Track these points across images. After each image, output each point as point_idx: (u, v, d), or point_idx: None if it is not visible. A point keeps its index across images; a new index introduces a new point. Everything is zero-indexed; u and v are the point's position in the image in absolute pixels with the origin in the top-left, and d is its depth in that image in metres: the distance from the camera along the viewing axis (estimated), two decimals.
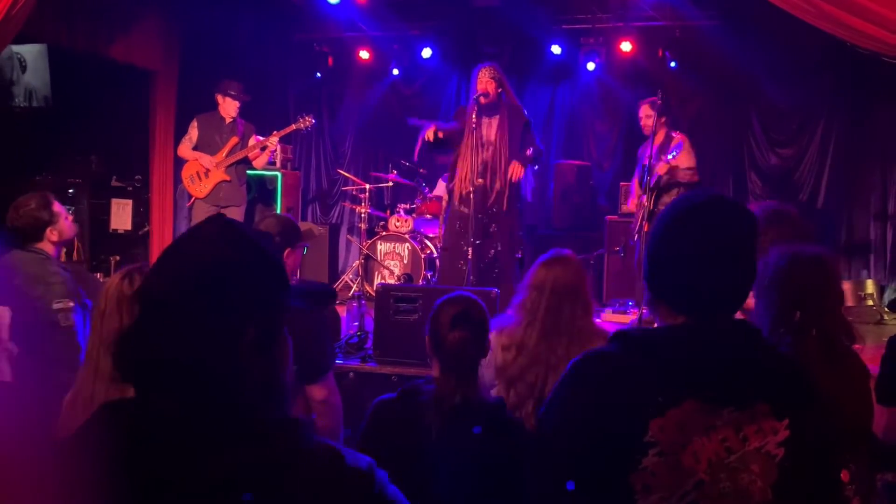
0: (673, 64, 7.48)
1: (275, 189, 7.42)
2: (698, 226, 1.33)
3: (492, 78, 5.03)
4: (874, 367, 2.34)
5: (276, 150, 6.92)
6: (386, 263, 6.86)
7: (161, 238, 7.26)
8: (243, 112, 6.12)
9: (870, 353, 2.65)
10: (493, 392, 2.59)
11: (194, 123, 6.02)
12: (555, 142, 8.29)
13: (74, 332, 3.17)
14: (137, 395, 1.05)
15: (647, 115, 5.55)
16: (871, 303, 6.38)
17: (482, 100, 5.00)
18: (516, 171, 5.01)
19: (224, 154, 5.90)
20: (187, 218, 6.81)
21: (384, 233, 6.96)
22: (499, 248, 5.12)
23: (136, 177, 7.35)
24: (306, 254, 6.90)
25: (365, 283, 6.71)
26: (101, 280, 6.07)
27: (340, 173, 8.26)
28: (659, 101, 5.31)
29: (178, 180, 6.63)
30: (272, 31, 7.92)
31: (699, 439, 1.23)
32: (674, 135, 5.48)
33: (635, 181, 5.82)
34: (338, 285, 7.29)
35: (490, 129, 5.11)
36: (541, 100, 8.24)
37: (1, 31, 4.68)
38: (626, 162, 7.73)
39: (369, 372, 4.09)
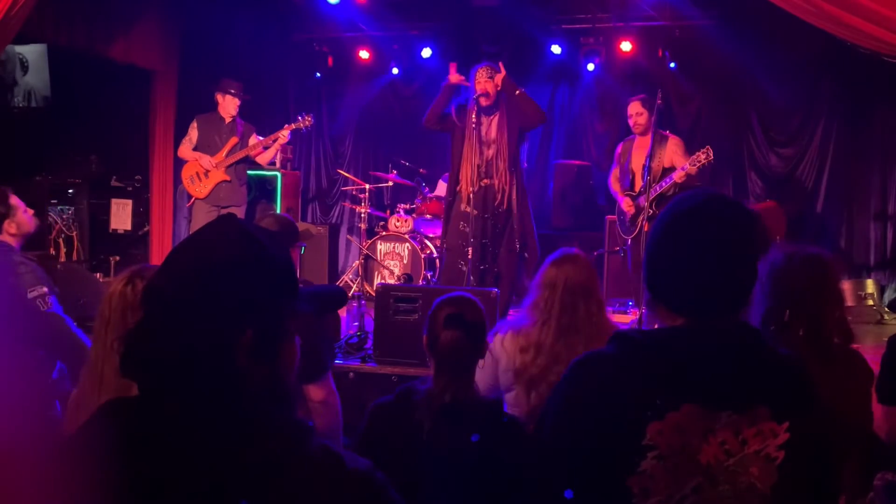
0: (673, 64, 7.48)
1: (274, 189, 7.42)
2: (698, 226, 1.31)
3: (489, 77, 5.03)
4: (874, 368, 2.34)
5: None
6: (386, 263, 6.86)
7: (161, 238, 7.26)
8: (243, 112, 6.12)
9: (870, 352, 2.65)
10: (511, 396, 2.58)
11: (194, 124, 6.02)
12: (554, 142, 8.29)
13: (60, 317, 3.20)
14: (140, 394, 1.05)
15: (637, 112, 5.33)
16: (871, 302, 6.37)
17: (482, 100, 5.00)
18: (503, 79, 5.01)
19: (224, 154, 5.90)
20: (187, 218, 6.81)
21: (384, 233, 6.95)
22: (502, 248, 5.12)
23: (136, 177, 7.35)
24: (304, 253, 6.91)
25: (365, 283, 6.71)
26: (101, 280, 6.06)
27: (340, 173, 8.26)
28: (659, 101, 5.20)
29: (178, 180, 6.63)
30: (272, 31, 7.92)
31: (698, 442, 1.23)
32: (665, 134, 5.31)
33: (613, 180, 5.62)
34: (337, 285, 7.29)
35: (491, 127, 5.11)
36: (540, 100, 8.18)
37: (0, 31, 4.68)
38: None
39: (369, 372, 4.10)
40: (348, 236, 8.50)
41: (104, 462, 0.98)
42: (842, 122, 7.31)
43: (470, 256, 4.98)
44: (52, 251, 6.78)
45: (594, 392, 1.29)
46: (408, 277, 6.57)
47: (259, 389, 1.04)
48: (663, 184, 5.05)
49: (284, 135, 5.90)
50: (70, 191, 7.06)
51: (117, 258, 7.02)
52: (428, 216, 7.01)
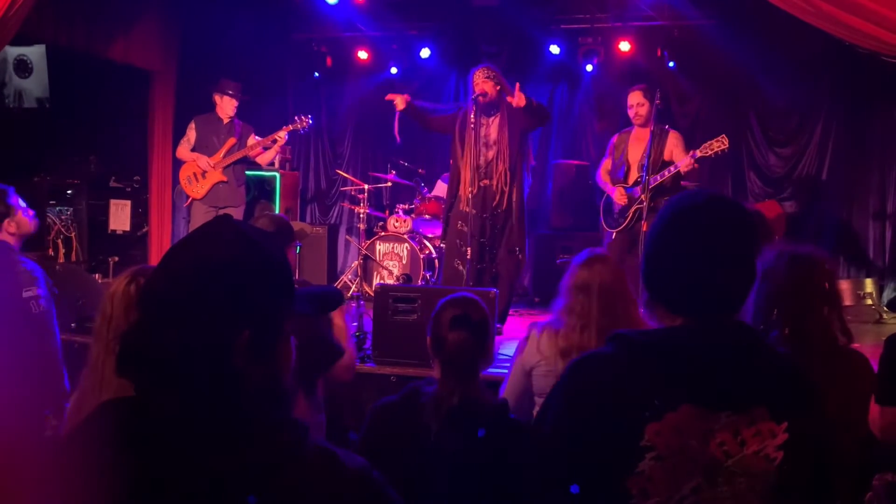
0: (671, 64, 7.47)
1: (273, 190, 7.42)
2: (697, 226, 1.31)
3: (487, 78, 5.03)
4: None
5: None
6: (385, 264, 6.86)
7: (160, 239, 7.26)
8: (242, 112, 6.12)
9: (869, 352, 2.64)
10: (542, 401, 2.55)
11: (192, 125, 6.02)
12: (553, 141, 8.28)
13: (47, 319, 3.21)
14: (137, 393, 1.05)
15: (639, 102, 5.17)
16: (870, 302, 6.37)
17: (481, 99, 4.99)
18: (520, 97, 4.89)
19: (221, 155, 5.90)
20: (186, 219, 6.80)
21: (383, 233, 6.95)
22: (501, 249, 5.12)
23: (135, 177, 7.35)
24: (302, 254, 6.91)
25: (364, 283, 6.71)
26: (100, 281, 6.06)
27: (339, 174, 8.25)
28: (658, 102, 5.14)
29: (176, 181, 6.63)
30: (271, 31, 7.92)
31: (697, 443, 1.22)
32: (665, 128, 5.22)
33: (603, 172, 5.49)
34: (337, 285, 7.28)
35: (491, 128, 5.11)
36: (539, 99, 8.21)
37: None
38: None
39: (368, 372, 4.09)
40: (347, 237, 8.49)
41: (101, 461, 0.98)
42: (841, 122, 7.31)
43: (469, 256, 4.98)
44: (51, 252, 6.78)
45: (592, 392, 1.29)
46: (407, 278, 6.56)
47: (255, 389, 1.04)
48: (663, 174, 4.96)
49: (282, 136, 5.90)
50: (69, 191, 7.05)
51: (116, 259, 7.01)
52: (427, 216, 7.01)
